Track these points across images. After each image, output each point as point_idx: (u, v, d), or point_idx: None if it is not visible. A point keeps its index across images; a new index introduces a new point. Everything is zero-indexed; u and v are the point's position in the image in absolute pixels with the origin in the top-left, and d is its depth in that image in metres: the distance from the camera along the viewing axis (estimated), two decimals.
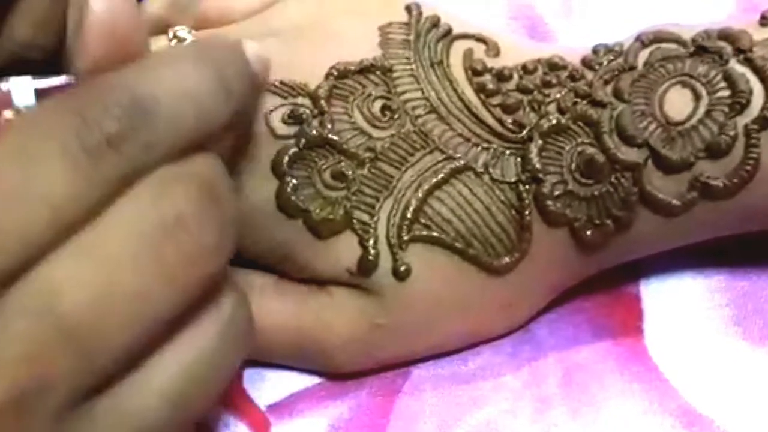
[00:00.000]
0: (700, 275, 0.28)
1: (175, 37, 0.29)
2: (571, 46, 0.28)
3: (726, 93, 0.25)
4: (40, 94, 0.21)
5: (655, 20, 0.28)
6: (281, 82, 0.27)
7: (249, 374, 0.27)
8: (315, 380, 0.27)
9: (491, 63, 0.27)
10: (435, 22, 0.28)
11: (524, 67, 0.27)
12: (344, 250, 0.26)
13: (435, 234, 0.26)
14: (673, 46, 0.26)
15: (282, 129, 0.26)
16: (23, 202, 0.19)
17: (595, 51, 0.27)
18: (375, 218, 0.26)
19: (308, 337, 0.26)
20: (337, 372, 0.27)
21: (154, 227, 0.20)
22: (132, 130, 0.20)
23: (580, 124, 0.26)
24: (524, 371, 0.27)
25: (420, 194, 0.26)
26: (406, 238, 0.26)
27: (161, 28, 0.30)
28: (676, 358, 0.27)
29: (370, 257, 0.26)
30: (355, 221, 0.26)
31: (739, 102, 0.25)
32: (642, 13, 0.33)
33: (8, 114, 0.21)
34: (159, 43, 0.29)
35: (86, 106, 0.19)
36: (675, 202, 0.25)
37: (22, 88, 0.21)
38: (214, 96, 0.21)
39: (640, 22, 0.28)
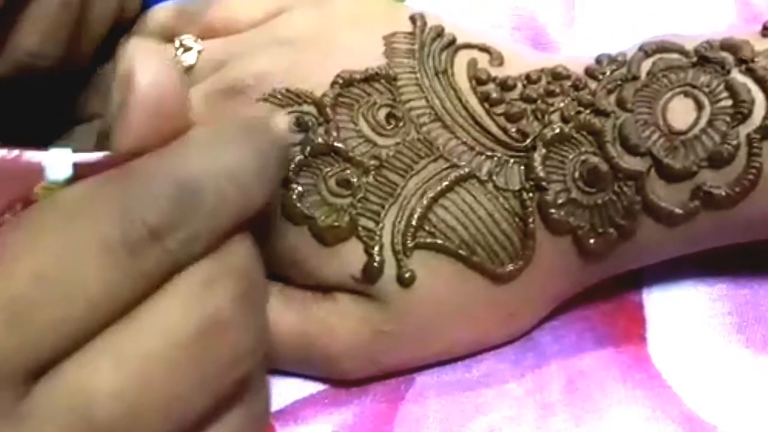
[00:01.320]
0: (703, 283, 0.28)
1: (181, 45, 0.30)
2: (575, 56, 0.29)
3: (728, 103, 0.26)
4: (77, 170, 0.20)
5: (658, 30, 0.28)
6: (287, 90, 0.27)
7: None
8: (319, 387, 0.28)
9: (495, 72, 0.28)
10: (439, 32, 0.28)
11: (528, 77, 0.27)
12: (349, 257, 0.26)
13: (439, 241, 0.26)
14: (675, 56, 0.27)
15: (288, 137, 0.27)
16: (61, 295, 0.18)
17: (598, 61, 0.27)
18: (380, 225, 0.26)
19: (313, 344, 0.27)
20: (341, 378, 0.27)
21: (192, 330, 0.19)
22: (176, 223, 0.19)
23: (584, 133, 0.26)
24: (527, 378, 0.27)
25: (425, 202, 0.26)
26: (410, 245, 0.26)
27: (168, 36, 0.30)
28: (679, 365, 0.27)
29: (375, 264, 0.26)
30: (360, 228, 0.26)
31: (741, 112, 0.25)
32: (644, 23, 0.33)
33: (45, 185, 0.20)
34: (166, 51, 0.30)
35: (130, 197, 0.19)
36: (677, 210, 0.26)
37: (60, 161, 0.20)
38: (256, 181, 0.21)
39: (643, 33, 0.28)
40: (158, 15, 0.31)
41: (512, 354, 0.27)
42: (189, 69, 0.29)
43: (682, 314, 0.28)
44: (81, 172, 0.20)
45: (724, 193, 0.25)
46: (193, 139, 0.21)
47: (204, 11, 0.30)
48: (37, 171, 0.20)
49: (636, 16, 0.33)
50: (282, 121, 0.22)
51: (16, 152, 0.20)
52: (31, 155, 0.20)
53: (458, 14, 0.33)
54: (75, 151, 0.21)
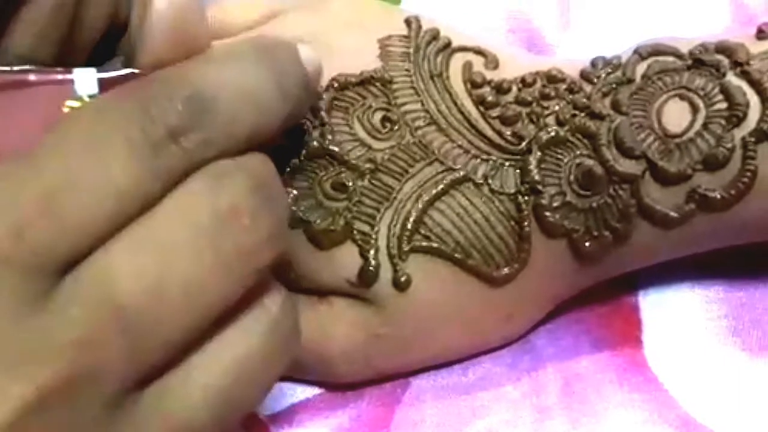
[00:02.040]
0: (699, 286, 0.28)
1: None
2: (570, 59, 0.29)
3: (723, 106, 0.26)
4: (103, 85, 0.22)
5: (653, 33, 0.28)
6: None
7: None
8: (315, 391, 0.28)
9: (490, 75, 0.28)
10: (434, 35, 0.28)
11: (523, 80, 0.27)
12: (345, 261, 0.26)
13: (435, 245, 0.26)
14: (670, 59, 0.27)
15: (283, 140, 0.27)
16: (88, 191, 0.19)
17: (593, 64, 0.27)
18: (375, 229, 0.26)
19: (309, 348, 0.26)
20: (337, 382, 0.27)
21: (210, 217, 0.20)
22: (193, 125, 0.20)
23: (579, 136, 0.26)
24: (524, 382, 0.27)
25: (420, 205, 0.26)
26: (406, 248, 0.26)
27: None
28: (675, 368, 0.27)
29: (371, 268, 0.26)
30: (355, 232, 0.26)
31: (736, 115, 0.25)
32: (640, 26, 0.33)
33: (72, 103, 0.22)
34: None
35: (150, 100, 0.20)
36: (673, 213, 0.26)
37: (86, 78, 0.22)
38: (272, 97, 0.22)
39: (638, 36, 0.28)
40: None
41: (508, 357, 0.27)
42: None
43: (678, 317, 0.28)
44: (107, 88, 0.22)
45: (719, 196, 0.25)
46: (211, 54, 0.22)
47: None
48: (67, 87, 0.22)
49: (631, 19, 0.34)
50: (304, 50, 0.23)
51: (46, 70, 0.22)
52: (60, 72, 0.22)
53: (453, 17, 0.33)
54: (99, 70, 0.22)
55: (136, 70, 0.22)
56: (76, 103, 0.22)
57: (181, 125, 0.20)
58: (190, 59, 0.21)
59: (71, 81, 0.22)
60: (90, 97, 0.22)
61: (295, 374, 0.28)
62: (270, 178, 0.22)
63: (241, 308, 0.21)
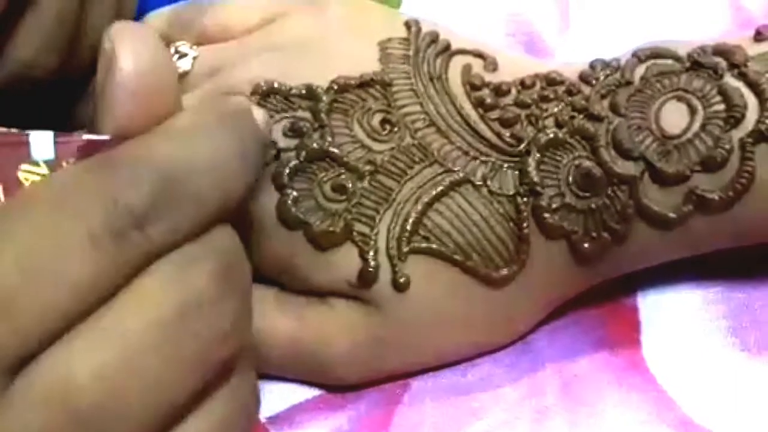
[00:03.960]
0: (698, 287, 0.28)
1: (177, 52, 0.30)
2: (569, 61, 0.29)
3: (721, 107, 0.26)
4: (59, 150, 0.21)
5: (652, 36, 0.28)
6: (280, 94, 0.27)
7: None
8: (314, 392, 0.28)
9: (489, 78, 0.28)
10: (434, 38, 0.29)
11: (522, 82, 0.27)
12: (344, 262, 0.26)
13: (434, 246, 0.26)
14: (669, 61, 0.27)
15: (283, 142, 0.27)
16: (45, 283, 0.18)
17: (592, 66, 0.27)
18: (375, 230, 0.26)
19: (308, 349, 0.27)
20: (337, 384, 0.27)
21: (172, 310, 0.19)
22: (159, 212, 0.19)
23: (577, 137, 0.26)
24: (523, 382, 0.27)
25: (419, 206, 0.26)
26: (405, 249, 0.26)
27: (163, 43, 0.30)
28: (674, 369, 0.27)
29: (371, 269, 0.26)
30: (355, 233, 0.26)
31: (734, 116, 0.26)
32: (638, 29, 0.33)
33: (27, 167, 0.21)
34: (150, 32, 0.29)
35: (114, 186, 0.19)
36: (671, 215, 0.26)
37: (42, 142, 0.21)
38: (239, 170, 0.21)
39: (637, 39, 0.28)
40: (153, 22, 0.31)
41: (507, 358, 0.28)
42: (184, 75, 0.29)
43: (677, 318, 0.28)
44: (63, 153, 0.21)
45: (717, 197, 0.25)
46: (175, 126, 0.20)
47: (199, 18, 0.30)
48: (22, 150, 0.21)
49: (630, 21, 0.34)
50: (259, 113, 0.22)
51: (1, 131, 0.21)
52: (16, 135, 0.21)
53: (453, 20, 0.33)
54: (57, 134, 0.21)
55: (96, 137, 0.20)
56: (31, 167, 0.20)
57: (147, 213, 0.19)
58: (155, 132, 0.20)
59: (27, 143, 0.21)
60: (46, 162, 0.20)
61: (295, 376, 0.28)
62: (235, 255, 0.21)
63: (206, 390, 0.20)
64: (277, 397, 0.27)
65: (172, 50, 0.30)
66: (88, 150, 0.20)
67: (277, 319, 0.27)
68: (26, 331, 0.18)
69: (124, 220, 0.19)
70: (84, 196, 0.19)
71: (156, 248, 0.19)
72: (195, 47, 0.30)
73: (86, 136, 0.21)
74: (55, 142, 0.21)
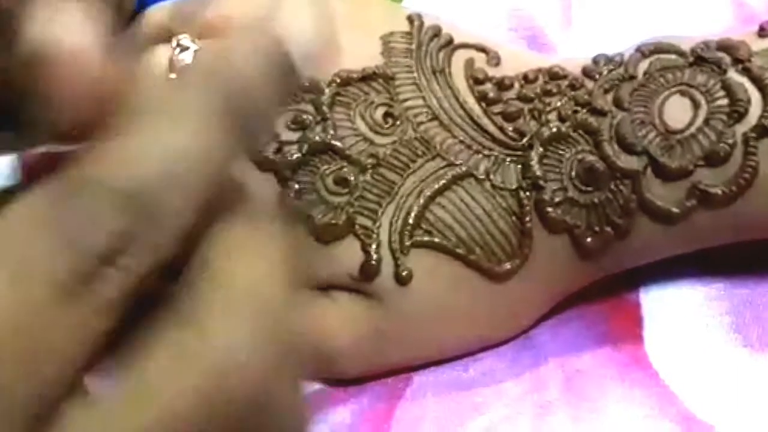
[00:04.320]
0: (700, 283, 0.28)
1: (179, 45, 0.30)
2: (572, 56, 0.29)
3: (724, 102, 0.26)
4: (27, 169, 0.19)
5: (654, 33, 0.28)
6: None
7: None
8: (315, 386, 0.27)
9: (492, 72, 0.28)
10: (437, 32, 0.28)
11: (525, 77, 0.27)
12: (347, 255, 0.26)
13: (437, 240, 0.26)
14: (672, 56, 0.27)
15: (285, 134, 0.27)
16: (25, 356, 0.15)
17: (595, 61, 0.27)
18: (377, 224, 0.26)
19: (310, 342, 0.26)
20: (339, 377, 0.27)
21: None
22: (127, 243, 0.16)
23: (581, 132, 0.26)
24: (525, 377, 0.27)
25: (422, 200, 0.26)
26: (407, 243, 0.26)
27: (165, 37, 0.30)
28: (677, 364, 0.27)
29: (373, 262, 0.26)
30: (357, 226, 0.26)
31: (737, 111, 0.25)
32: (641, 25, 0.33)
33: None
34: (162, 52, 0.30)
35: (73, 225, 0.16)
36: (674, 209, 0.26)
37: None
38: (231, 145, 0.17)
39: (640, 34, 0.28)
40: (155, 15, 0.31)
41: (510, 353, 0.27)
42: (186, 68, 0.29)
43: (679, 313, 0.28)
44: (32, 172, 0.19)
45: (720, 192, 0.25)
46: (144, 119, 0.17)
47: (200, 11, 0.30)
48: None
49: (633, 17, 0.34)
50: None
51: None
52: None
53: (455, 14, 0.33)
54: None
55: (58, 149, 0.17)
56: None
57: (116, 245, 0.16)
58: (116, 133, 0.16)
59: None
60: (12, 186, 0.17)
61: None
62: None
63: None
64: None
65: (174, 43, 0.30)
66: (51, 165, 0.17)
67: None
68: (14, 416, 0.15)
69: (89, 262, 0.16)
70: (41, 242, 0.16)
71: (136, 274, 0.16)
72: (197, 40, 0.30)
73: (45, 149, 0.18)
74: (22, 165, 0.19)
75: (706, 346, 0.27)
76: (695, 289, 0.28)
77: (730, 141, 0.25)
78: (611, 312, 0.28)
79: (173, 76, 0.29)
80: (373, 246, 0.26)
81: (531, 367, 0.27)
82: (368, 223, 0.26)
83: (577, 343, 0.27)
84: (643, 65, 0.27)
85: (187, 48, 0.29)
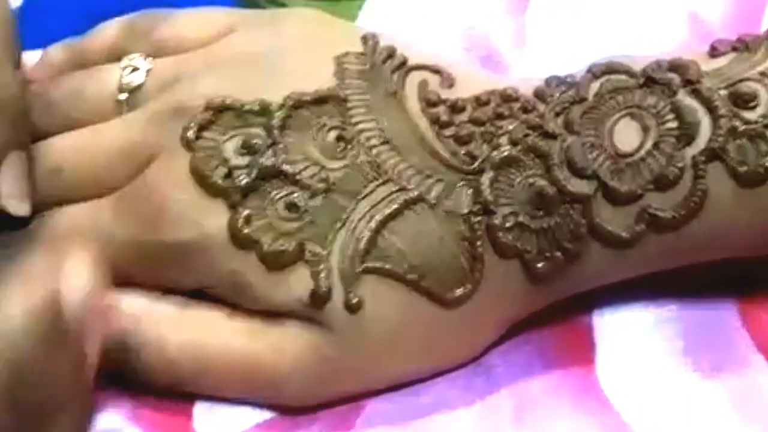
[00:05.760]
0: (653, 305, 0.28)
1: (129, 66, 0.29)
2: (526, 77, 0.29)
3: (674, 125, 0.26)
4: None
5: (609, 50, 0.28)
6: (233, 110, 0.26)
7: (199, 410, 0.27)
8: (266, 415, 0.27)
9: (446, 94, 0.27)
10: (391, 53, 0.28)
11: (478, 99, 0.27)
12: (296, 282, 0.26)
13: (388, 266, 0.26)
14: (623, 77, 0.27)
15: (235, 159, 0.26)
16: None
17: (547, 83, 0.27)
18: (327, 250, 0.26)
19: (260, 370, 0.26)
20: (289, 405, 0.27)
21: None
22: None
23: (532, 155, 0.26)
24: (477, 405, 0.27)
25: (373, 225, 0.26)
26: (358, 270, 0.26)
27: (115, 54, 0.30)
28: (627, 390, 0.27)
29: (323, 289, 0.25)
30: (307, 253, 0.26)
31: (686, 134, 0.25)
32: (596, 43, 0.33)
33: None
34: (112, 72, 0.29)
35: None
36: (623, 234, 0.25)
37: None
38: None
39: (594, 53, 0.28)
40: (105, 32, 0.31)
41: (462, 379, 0.27)
42: (137, 89, 0.28)
43: (631, 337, 0.28)
44: None
45: (670, 216, 0.25)
46: None
47: (152, 29, 0.30)
48: None
49: (588, 35, 0.34)
50: None
51: None
52: None
53: (410, 33, 0.33)
54: None
55: None
56: None
57: None
58: None
59: None
60: None
61: (246, 397, 0.27)
62: None
63: None
64: (227, 420, 0.27)
65: (125, 63, 0.29)
66: None
67: (229, 338, 0.26)
68: None
69: None
70: None
71: None
72: (149, 59, 0.29)
73: None
74: None
75: (657, 370, 0.27)
76: (648, 311, 0.28)
77: (680, 164, 0.25)
78: (563, 336, 0.28)
79: (122, 97, 0.29)
80: (323, 273, 0.25)
81: (483, 395, 0.27)
82: (318, 249, 0.26)
83: (529, 368, 0.27)
84: (594, 87, 0.27)
85: (137, 68, 0.29)
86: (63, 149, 0.28)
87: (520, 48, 0.34)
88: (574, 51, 0.33)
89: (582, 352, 0.27)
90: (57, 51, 0.31)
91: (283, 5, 0.35)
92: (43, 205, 0.27)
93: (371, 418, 0.27)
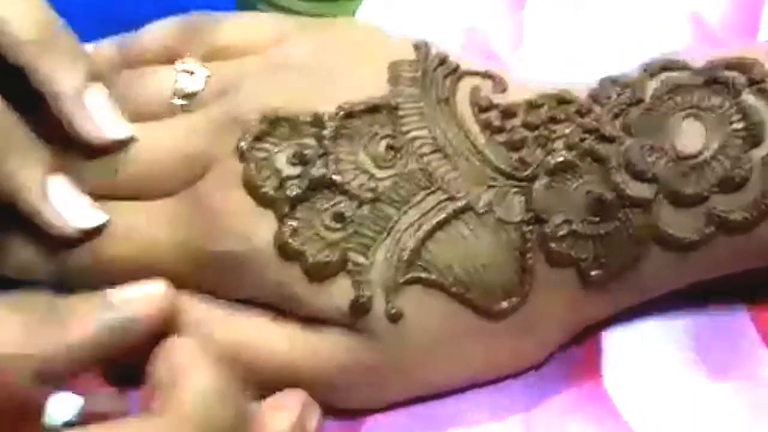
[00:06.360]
0: (662, 316, 0.27)
1: (185, 71, 0.29)
2: (578, 80, 0.28)
3: (740, 125, 0.24)
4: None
5: (608, 50, 0.27)
6: (288, 121, 0.26)
7: None
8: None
9: (498, 99, 0.27)
10: (443, 60, 0.28)
11: (530, 103, 0.26)
12: (338, 292, 0.25)
13: (432, 277, 0.25)
14: (681, 75, 0.26)
15: (287, 170, 0.26)
16: None
17: (602, 84, 0.26)
18: (370, 260, 0.25)
19: (301, 375, 0.26)
20: (326, 409, 0.26)
21: None
22: None
23: (588, 160, 0.25)
24: (485, 415, 0.26)
25: (419, 235, 0.25)
26: (401, 280, 0.25)
27: (168, 56, 0.29)
28: (637, 400, 0.26)
29: (363, 299, 0.25)
30: (350, 263, 0.25)
31: (753, 134, 0.24)
32: (595, 43, 0.32)
33: None
34: (166, 75, 0.29)
35: None
36: (690, 236, 0.25)
37: (62, 407, 0.21)
38: None
39: (593, 54, 0.28)
40: (158, 33, 0.30)
41: (470, 393, 0.26)
42: (192, 95, 0.28)
43: (640, 347, 0.26)
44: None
45: (740, 218, 0.24)
46: None
47: (205, 33, 0.30)
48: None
49: (587, 34, 0.32)
50: None
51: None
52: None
53: (410, 32, 0.31)
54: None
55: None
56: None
57: None
58: None
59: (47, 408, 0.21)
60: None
61: None
62: None
63: None
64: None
65: (180, 67, 0.29)
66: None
67: (273, 342, 0.26)
68: None
69: None
70: None
71: None
72: (203, 65, 0.29)
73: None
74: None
75: (666, 379, 0.26)
76: (657, 322, 0.27)
77: (747, 166, 0.24)
78: (571, 346, 0.27)
79: (177, 101, 0.29)
80: (365, 283, 0.25)
81: (493, 408, 0.26)
82: (361, 259, 0.25)
83: (538, 378, 0.26)
84: (651, 87, 0.26)
85: (192, 73, 0.29)
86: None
87: (517, 49, 0.32)
88: (572, 52, 0.32)
89: (590, 359, 0.26)
90: (109, 47, 0.31)
91: (281, 7, 0.35)
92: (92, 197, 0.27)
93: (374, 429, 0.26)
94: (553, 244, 0.25)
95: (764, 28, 0.32)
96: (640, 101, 0.25)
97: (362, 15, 0.34)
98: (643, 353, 0.26)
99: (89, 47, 0.30)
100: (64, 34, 0.27)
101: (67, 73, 0.27)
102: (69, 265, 0.27)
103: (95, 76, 0.28)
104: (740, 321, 0.27)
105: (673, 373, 0.26)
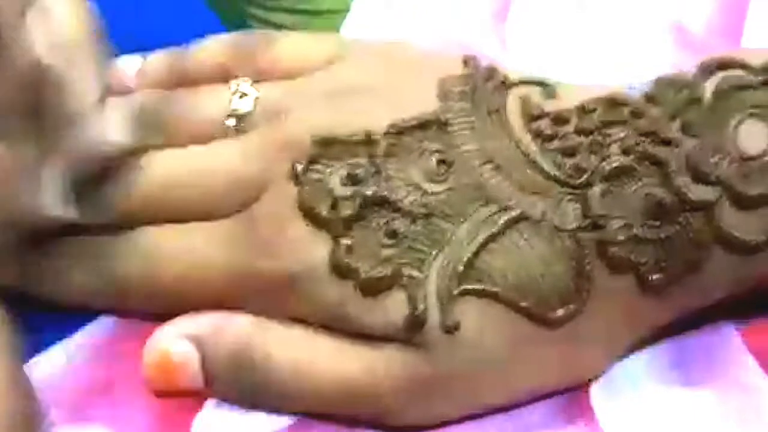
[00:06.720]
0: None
1: (238, 91, 0.29)
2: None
3: None
4: None
5: (590, 53, 0.27)
6: (340, 142, 0.26)
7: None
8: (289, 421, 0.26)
9: (549, 107, 0.26)
10: (492, 72, 0.27)
11: (582, 108, 0.26)
12: (392, 307, 0.25)
13: (488, 287, 0.24)
14: (740, 73, 0.25)
15: (340, 190, 0.26)
16: None
17: (657, 83, 0.26)
18: (425, 274, 0.25)
19: (359, 390, 0.25)
20: (386, 424, 0.26)
21: None
22: None
23: (646, 163, 0.25)
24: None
25: (474, 247, 0.25)
26: (455, 292, 0.25)
27: (219, 74, 0.29)
28: (616, 408, 0.25)
29: (418, 313, 0.24)
30: (404, 278, 0.25)
31: None
32: (578, 50, 0.31)
33: None
34: (220, 95, 0.29)
35: None
36: (758, 238, 0.24)
37: None
38: None
39: (576, 58, 0.27)
40: (209, 50, 0.30)
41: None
42: (245, 116, 0.28)
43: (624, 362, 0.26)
44: None
45: None
46: None
47: (257, 52, 0.29)
48: None
49: (569, 48, 0.32)
50: None
51: None
52: None
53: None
54: None
55: None
56: None
57: None
58: None
59: None
60: None
61: (352, 415, 0.26)
62: None
63: None
64: (250, 427, 0.26)
65: (233, 87, 0.29)
66: None
67: (331, 357, 0.26)
68: None
69: None
70: None
71: None
72: (255, 85, 0.29)
73: None
74: None
75: (643, 388, 0.25)
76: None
77: None
78: None
79: (230, 122, 0.28)
80: (420, 296, 0.25)
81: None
82: (416, 273, 0.25)
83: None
84: (710, 85, 0.25)
85: (246, 94, 0.29)
86: (175, 167, 0.28)
87: (501, 52, 0.32)
88: (553, 63, 0.31)
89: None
90: (159, 62, 0.30)
91: (270, 23, 0.34)
92: (139, 217, 0.27)
93: None
94: (612, 249, 0.24)
95: (747, 34, 0.32)
96: (698, 100, 0.25)
97: (346, 31, 0.33)
98: (623, 361, 0.26)
99: (138, 59, 0.30)
100: None
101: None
102: (124, 286, 0.28)
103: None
104: (723, 327, 0.26)
105: (653, 380, 0.25)
